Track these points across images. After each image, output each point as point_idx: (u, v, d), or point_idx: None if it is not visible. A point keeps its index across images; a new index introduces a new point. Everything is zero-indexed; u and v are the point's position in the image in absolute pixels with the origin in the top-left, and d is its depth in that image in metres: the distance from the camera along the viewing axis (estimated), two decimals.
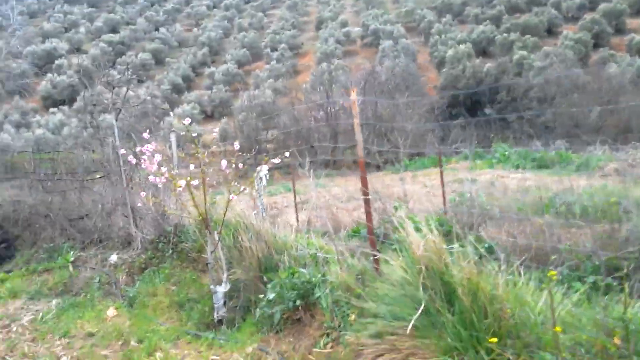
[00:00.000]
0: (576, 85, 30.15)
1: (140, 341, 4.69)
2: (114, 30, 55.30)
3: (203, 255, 5.47)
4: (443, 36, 48.22)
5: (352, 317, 3.72)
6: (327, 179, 16.74)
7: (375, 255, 4.06)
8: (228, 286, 4.74)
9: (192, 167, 4.78)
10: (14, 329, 5.27)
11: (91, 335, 4.98)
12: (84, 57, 43.89)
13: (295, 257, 4.53)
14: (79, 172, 7.96)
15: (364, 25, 51.18)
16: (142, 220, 6.91)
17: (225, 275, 4.64)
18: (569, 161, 15.29)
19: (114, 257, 6.96)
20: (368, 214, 4.23)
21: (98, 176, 7.94)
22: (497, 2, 54.94)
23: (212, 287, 4.71)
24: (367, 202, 4.19)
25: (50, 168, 8.89)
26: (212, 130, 34.90)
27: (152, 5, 64.42)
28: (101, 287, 6.15)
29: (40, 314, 5.56)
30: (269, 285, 4.42)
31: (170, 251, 6.28)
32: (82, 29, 55.59)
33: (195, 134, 4.68)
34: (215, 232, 4.60)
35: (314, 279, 4.17)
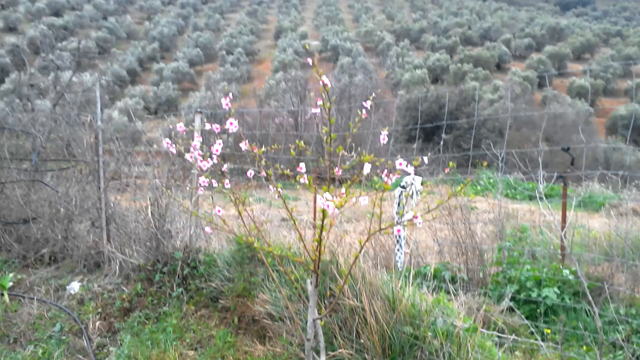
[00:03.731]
0: (526, 120, 31.35)
1: None
2: (57, 13, 51.28)
3: (254, 308, 3.48)
4: (400, 59, 48.16)
5: None
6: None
7: None
8: None
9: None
10: None
11: None
12: (20, 39, 39.93)
13: (443, 332, 2.69)
14: (33, 160, 5.69)
15: (324, 40, 50.26)
16: (125, 235, 4.84)
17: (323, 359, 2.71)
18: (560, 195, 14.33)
19: (75, 286, 4.79)
20: None
21: (63, 167, 5.71)
22: (452, 33, 55.93)
23: None
24: None
25: None
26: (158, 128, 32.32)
27: None
28: (62, 339, 3.98)
29: None
30: None
31: (180, 289, 4.24)
32: (21, 8, 51.16)
33: None
34: (311, 283, 2.60)
35: None
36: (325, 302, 2.99)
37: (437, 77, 48.26)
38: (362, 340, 2.81)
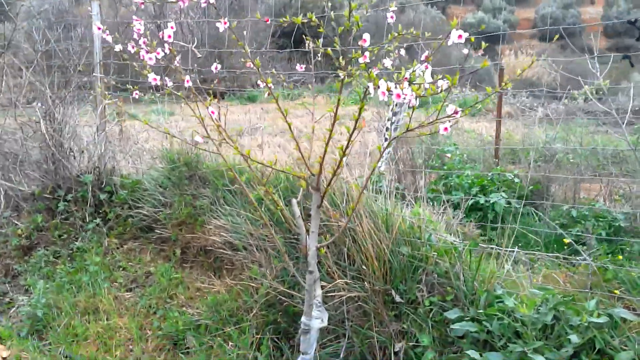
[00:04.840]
0: (389, 28, 32.25)
1: None
2: None
3: (205, 237, 2.91)
4: None
5: None
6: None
7: None
8: (326, 316, 2.24)
9: None
10: None
11: None
12: None
13: (443, 250, 2.41)
14: None
15: None
16: (6, 158, 3.85)
17: (318, 294, 2.20)
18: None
19: None
20: None
21: None
22: None
23: (304, 319, 2.22)
24: None
25: None
26: None
27: None
28: None
29: None
30: (411, 314, 2.30)
31: (96, 220, 3.47)
32: None
33: None
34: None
35: (543, 317, 2.07)
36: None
37: None
38: (357, 267, 2.47)
